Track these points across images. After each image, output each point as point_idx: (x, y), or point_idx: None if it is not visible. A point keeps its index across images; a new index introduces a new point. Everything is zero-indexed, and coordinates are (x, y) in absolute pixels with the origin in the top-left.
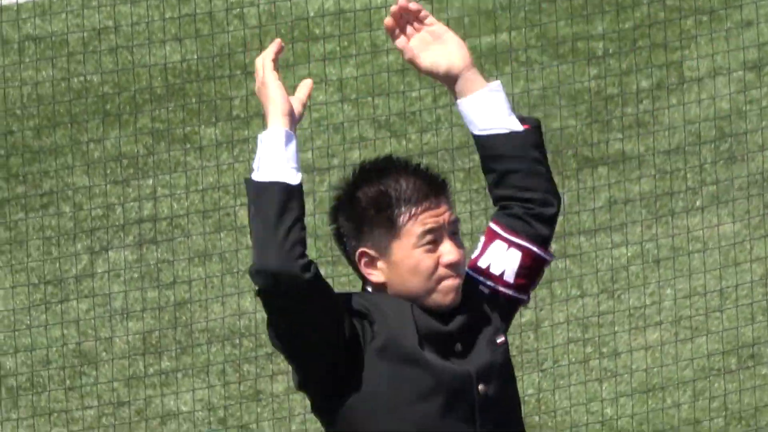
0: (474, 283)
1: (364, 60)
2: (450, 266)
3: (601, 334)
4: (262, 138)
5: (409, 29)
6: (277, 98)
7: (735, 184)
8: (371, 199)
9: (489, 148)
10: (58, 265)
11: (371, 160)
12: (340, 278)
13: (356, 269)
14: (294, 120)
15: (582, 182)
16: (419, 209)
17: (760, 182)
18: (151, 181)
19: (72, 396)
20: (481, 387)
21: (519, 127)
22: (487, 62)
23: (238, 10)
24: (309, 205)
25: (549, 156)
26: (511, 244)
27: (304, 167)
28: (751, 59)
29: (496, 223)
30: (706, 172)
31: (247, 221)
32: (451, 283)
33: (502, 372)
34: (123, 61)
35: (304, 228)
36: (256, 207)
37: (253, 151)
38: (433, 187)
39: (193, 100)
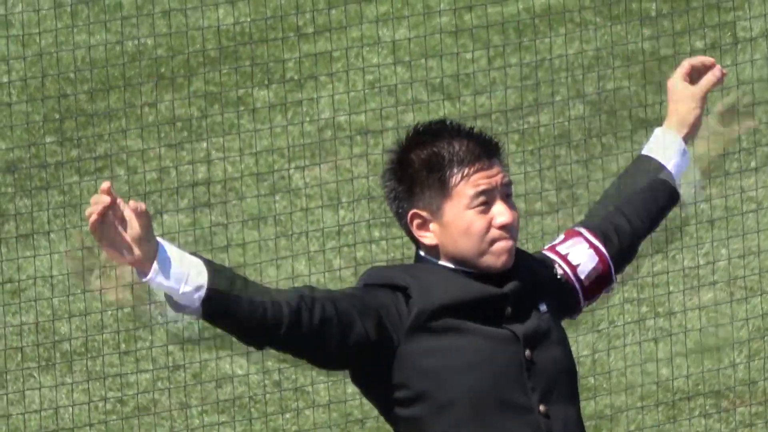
0: (549, 261)
1: (417, 21)
2: (503, 228)
3: (656, 294)
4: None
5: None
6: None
7: None
8: (423, 160)
9: (658, 190)
10: None
11: (424, 123)
12: (394, 240)
13: (409, 232)
14: (145, 255)
15: (637, 144)
16: (471, 170)
17: None
18: (205, 145)
19: (127, 360)
20: (527, 352)
21: (678, 192)
22: (541, 23)
23: None
24: (363, 167)
25: (604, 117)
26: (592, 246)
27: (357, 129)
28: None
29: (584, 227)
30: (761, 132)
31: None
32: (504, 244)
33: (549, 337)
34: (177, 24)
35: (255, 300)
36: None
37: (307, 114)
38: (486, 149)
39: (247, 62)
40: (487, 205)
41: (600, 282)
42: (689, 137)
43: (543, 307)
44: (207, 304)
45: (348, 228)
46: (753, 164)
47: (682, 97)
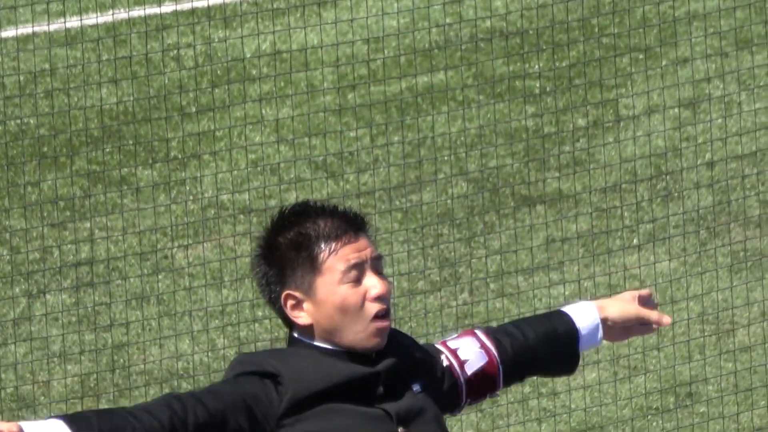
0: (437, 351)
1: (301, 100)
2: (377, 299)
3: None
4: None
5: None
6: None
7: (671, 222)
8: (290, 240)
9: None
10: None
11: (288, 206)
12: (277, 319)
13: (283, 315)
14: None
15: (520, 221)
16: (339, 245)
17: (696, 220)
18: (88, 224)
19: None
20: (401, 429)
21: (577, 357)
22: (424, 101)
23: (175, 51)
24: (246, 246)
25: (487, 195)
26: (483, 346)
27: (241, 208)
28: (687, 96)
29: (480, 329)
30: (643, 210)
31: None
32: (379, 325)
33: (423, 416)
34: (59, 104)
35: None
36: None
37: (191, 192)
38: (351, 224)
39: (130, 141)
40: (358, 280)
41: (486, 382)
42: (606, 330)
43: (416, 388)
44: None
45: (231, 308)
46: (635, 242)
47: (625, 301)
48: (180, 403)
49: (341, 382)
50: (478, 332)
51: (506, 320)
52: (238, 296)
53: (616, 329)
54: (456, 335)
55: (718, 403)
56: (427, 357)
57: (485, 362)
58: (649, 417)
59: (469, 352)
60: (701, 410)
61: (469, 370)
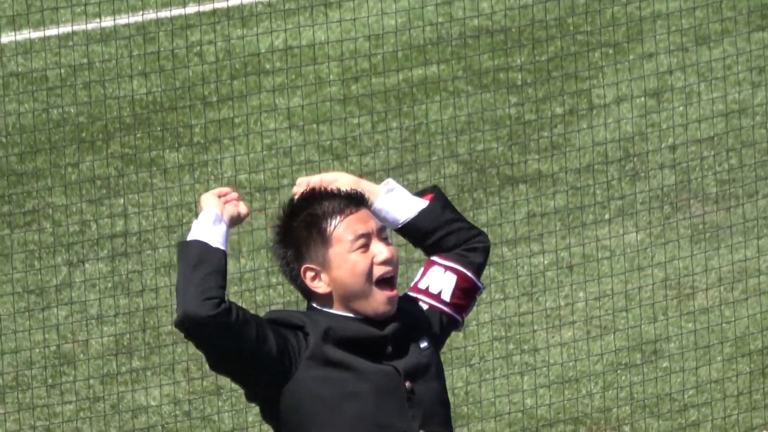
0: (414, 300)
1: (309, 91)
2: (384, 263)
3: (522, 332)
4: (197, 219)
5: None
6: (210, 198)
7: (638, 199)
8: (302, 222)
9: (413, 232)
10: (40, 276)
11: (298, 195)
12: (289, 285)
13: (304, 288)
14: (227, 217)
15: (504, 198)
16: (344, 218)
17: (660, 196)
18: (122, 201)
19: (53, 393)
20: (407, 384)
21: (424, 202)
22: (419, 92)
23: (198, 48)
24: (261, 221)
25: (475, 175)
26: (447, 268)
27: (257, 187)
28: (652, 87)
29: (434, 255)
30: (613, 188)
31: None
32: (389, 294)
33: (428, 372)
34: (96, 94)
35: (218, 279)
36: (179, 263)
37: (212, 173)
38: (352, 200)
39: (158, 128)
40: (366, 247)
41: (467, 292)
42: (367, 186)
43: (424, 344)
44: (216, 248)
45: (248, 275)
46: (606, 216)
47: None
48: (242, 309)
49: (354, 337)
50: (436, 258)
51: (493, 287)
52: (255, 265)
53: None
54: (421, 272)
55: (680, 359)
56: (420, 310)
57: (456, 279)
58: (619, 371)
59: (438, 282)
60: (664, 365)
61: (447, 296)
